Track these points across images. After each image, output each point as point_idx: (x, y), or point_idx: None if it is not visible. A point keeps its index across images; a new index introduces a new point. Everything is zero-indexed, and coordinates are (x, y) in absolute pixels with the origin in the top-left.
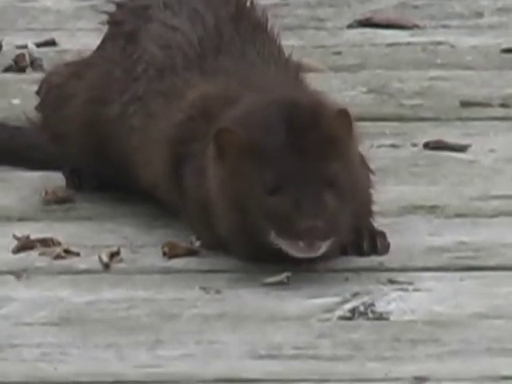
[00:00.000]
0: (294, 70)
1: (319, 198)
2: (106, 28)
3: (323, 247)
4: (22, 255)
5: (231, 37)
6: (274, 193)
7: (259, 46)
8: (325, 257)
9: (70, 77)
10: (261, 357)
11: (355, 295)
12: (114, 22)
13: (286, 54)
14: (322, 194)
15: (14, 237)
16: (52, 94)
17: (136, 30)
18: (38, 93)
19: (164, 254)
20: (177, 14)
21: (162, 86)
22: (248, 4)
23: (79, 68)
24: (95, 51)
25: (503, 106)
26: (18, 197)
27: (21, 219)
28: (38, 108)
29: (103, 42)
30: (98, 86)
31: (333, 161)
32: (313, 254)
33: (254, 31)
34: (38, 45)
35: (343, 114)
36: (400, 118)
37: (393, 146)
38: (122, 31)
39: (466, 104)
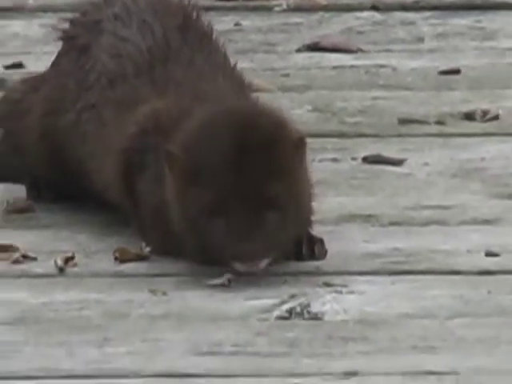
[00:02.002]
0: (240, 79)
1: (256, 220)
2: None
3: (263, 263)
4: None
5: (179, 46)
6: (212, 215)
7: (206, 54)
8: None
9: (26, 92)
10: (203, 353)
11: (292, 297)
12: (67, 38)
13: (232, 62)
14: (260, 216)
15: None
16: (10, 108)
17: (88, 43)
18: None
19: (115, 258)
20: (127, 25)
21: (114, 95)
22: (194, 16)
23: (35, 83)
24: (50, 66)
25: (438, 123)
26: None
27: None
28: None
29: (58, 57)
30: (53, 97)
31: (276, 181)
32: (254, 270)
33: (201, 41)
34: (6, 67)
35: (299, 142)
36: (341, 135)
37: (334, 159)
38: (75, 45)
39: (403, 121)
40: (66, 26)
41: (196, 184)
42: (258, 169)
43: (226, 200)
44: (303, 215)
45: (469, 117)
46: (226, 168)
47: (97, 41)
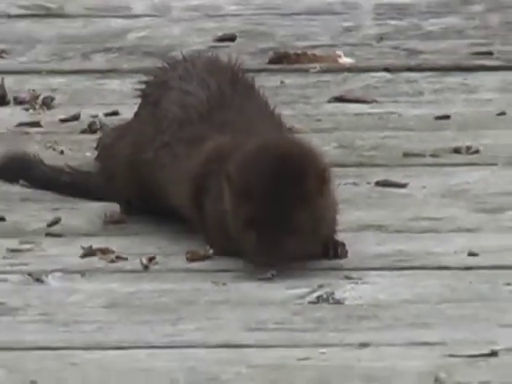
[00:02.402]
0: (278, 119)
1: (277, 240)
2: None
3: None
4: (86, 260)
5: (231, 96)
6: (247, 228)
7: (252, 101)
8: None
9: (116, 138)
10: (252, 329)
11: (321, 286)
12: (144, 95)
13: (271, 107)
14: (282, 238)
15: (81, 247)
16: (104, 150)
17: (159, 98)
18: (96, 148)
19: (187, 258)
20: (189, 82)
21: (183, 135)
22: (240, 72)
23: (122, 131)
24: (132, 118)
25: (433, 156)
26: (86, 219)
27: (86, 235)
28: (96, 159)
29: (137, 110)
30: (136, 141)
31: (299, 209)
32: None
33: (247, 91)
34: (106, 114)
35: (323, 172)
36: (360, 165)
37: (354, 183)
38: (149, 100)
39: (407, 155)
40: (143, 86)
41: (241, 201)
42: (286, 196)
43: (258, 219)
44: (322, 232)
45: (457, 151)
46: (262, 192)
47: (166, 96)
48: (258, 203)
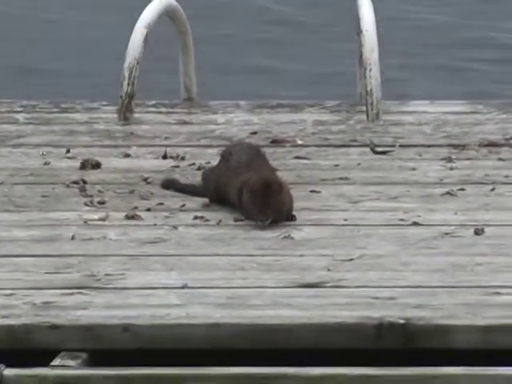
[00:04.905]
0: (271, 168)
1: (266, 212)
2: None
3: (267, 222)
4: (196, 220)
5: (255, 161)
6: (255, 209)
7: (261, 161)
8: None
9: (209, 171)
10: (257, 248)
11: (285, 232)
12: (222, 155)
13: (269, 162)
14: (268, 211)
15: (194, 216)
16: (204, 176)
17: (229, 157)
18: (201, 175)
19: (234, 220)
20: (239, 152)
21: (235, 173)
22: (258, 149)
23: (212, 169)
24: (217, 164)
25: None
26: (197, 204)
27: (196, 210)
28: (201, 180)
29: (218, 162)
30: (217, 174)
31: (277, 198)
32: (264, 224)
33: (261, 157)
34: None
35: (282, 185)
36: None
37: None
38: (224, 158)
39: None
40: (221, 151)
41: (250, 198)
42: (269, 198)
43: (258, 204)
44: (287, 209)
45: None
46: (258, 197)
47: (231, 157)
48: (257, 199)
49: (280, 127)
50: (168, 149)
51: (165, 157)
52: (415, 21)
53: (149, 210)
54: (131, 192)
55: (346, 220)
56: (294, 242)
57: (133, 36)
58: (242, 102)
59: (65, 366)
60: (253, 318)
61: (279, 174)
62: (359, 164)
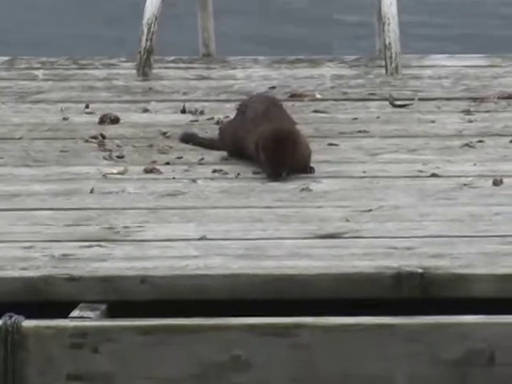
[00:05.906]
0: (290, 118)
1: (284, 164)
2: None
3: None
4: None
5: (272, 110)
6: (270, 161)
7: (279, 111)
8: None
9: (226, 124)
10: (275, 201)
11: (304, 184)
12: (238, 108)
13: (288, 113)
14: (285, 163)
15: (213, 170)
16: (221, 129)
17: (245, 109)
18: (218, 129)
19: (253, 173)
20: (256, 104)
21: (253, 124)
22: (276, 100)
23: (229, 122)
24: (234, 117)
25: None
26: (214, 158)
27: (215, 163)
28: (218, 133)
29: (235, 114)
30: (235, 126)
31: (294, 153)
32: (279, 179)
33: (278, 107)
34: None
35: (298, 136)
36: None
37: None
38: (240, 110)
39: None
40: (238, 105)
41: (265, 150)
42: (282, 149)
43: (274, 156)
44: (304, 159)
45: None
46: (272, 149)
47: (247, 109)
48: (271, 154)
49: (299, 82)
50: (187, 104)
51: (183, 111)
52: None
53: (167, 163)
54: (150, 146)
55: (364, 172)
56: (313, 194)
57: None
58: (261, 57)
59: (83, 317)
60: (271, 269)
61: (298, 127)
62: (378, 117)
